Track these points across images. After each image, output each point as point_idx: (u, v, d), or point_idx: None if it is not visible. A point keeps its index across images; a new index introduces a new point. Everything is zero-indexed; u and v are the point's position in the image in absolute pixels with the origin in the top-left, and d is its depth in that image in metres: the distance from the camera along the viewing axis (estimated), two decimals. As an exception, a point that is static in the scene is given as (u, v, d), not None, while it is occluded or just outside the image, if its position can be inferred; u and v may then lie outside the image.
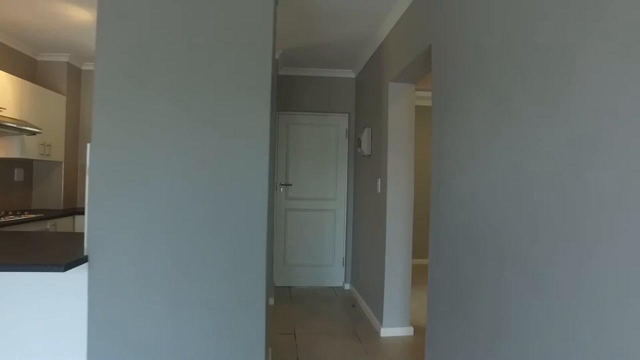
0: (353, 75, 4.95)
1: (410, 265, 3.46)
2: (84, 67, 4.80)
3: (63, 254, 1.83)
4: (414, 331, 3.46)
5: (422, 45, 2.63)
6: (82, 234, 2.26)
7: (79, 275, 1.88)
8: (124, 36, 1.91)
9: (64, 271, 1.62)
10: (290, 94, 4.91)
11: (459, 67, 2.08)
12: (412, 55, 2.85)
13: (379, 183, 3.63)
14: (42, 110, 4.00)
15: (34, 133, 3.65)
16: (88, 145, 1.90)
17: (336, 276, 4.99)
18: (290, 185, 4.94)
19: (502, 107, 1.67)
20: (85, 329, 1.88)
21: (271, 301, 4.22)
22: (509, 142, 1.61)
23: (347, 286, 4.95)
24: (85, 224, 1.89)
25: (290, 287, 4.92)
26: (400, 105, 3.44)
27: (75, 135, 4.72)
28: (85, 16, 3.39)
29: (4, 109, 3.43)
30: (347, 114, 5.00)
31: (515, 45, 1.57)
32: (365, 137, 3.99)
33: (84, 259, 1.84)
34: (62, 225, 3.95)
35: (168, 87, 1.93)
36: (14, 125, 3.33)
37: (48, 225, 3.69)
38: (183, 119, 1.94)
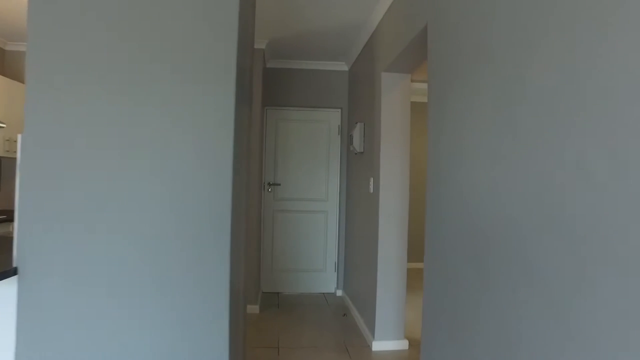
0: (346, 68, 4.66)
1: (405, 271, 3.16)
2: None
3: (-13, 264, 1.53)
4: (409, 345, 3.16)
5: (418, 26, 2.34)
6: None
7: (6, 290, 1.58)
8: (61, 15, 1.61)
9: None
10: (279, 88, 4.62)
11: (459, 47, 1.78)
12: (406, 40, 2.55)
13: (371, 182, 3.34)
14: (4, 102, 3.70)
15: (-4, 127, 3.35)
16: (19, 136, 1.60)
17: (328, 282, 4.69)
18: (279, 185, 4.65)
19: (513, 92, 1.37)
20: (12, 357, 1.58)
21: (255, 309, 3.91)
22: (521, 132, 1.31)
23: (340, 292, 4.64)
24: (15, 229, 1.59)
25: (278, 293, 4.62)
26: (394, 97, 3.15)
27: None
28: None
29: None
30: (339, 110, 4.71)
31: (530, 20, 1.28)
32: (357, 133, 3.69)
33: (12, 271, 1.54)
34: (29, 227, 3.65)
35: (114, 74, 1.63)
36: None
37: (10, 227, 3.39)
38: (132, 110, 1.64)
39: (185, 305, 1.65)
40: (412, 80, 3.28)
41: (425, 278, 2.13)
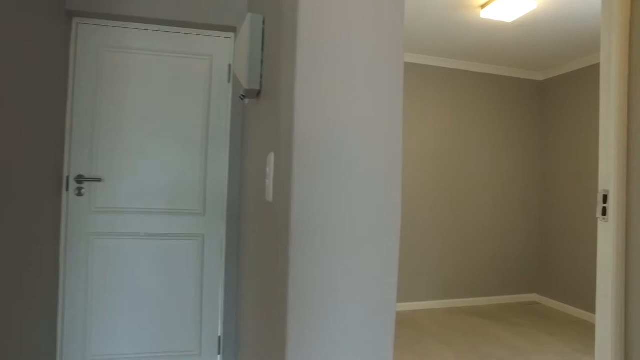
0: (245, -48, 2.36)
1: None
2: None
3: None
4: None
5: None
6: None
7: None
8: None
9: None
10: (103, -21, 2.21)
11: None
12: None
13: (270, 166, 1.06)
14: None
15: None
16: None
17: (205, 376, 2.35)
18: (100, 181, 2.24)
19: None
20: None
21: None
22: None
23: (228, 397, 2.33)
24: None
25: (97, 407, 2.21)
26: None
27: None
28: None
29: None
30: (232, 34, 2.41)
31: None
32: (244, 40, 1.40)
33: None
34: None
35: None
36: None
37: None
38: None
39: None
40: None
41: None
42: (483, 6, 2.96)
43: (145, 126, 2.29)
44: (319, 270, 0.88)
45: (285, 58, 0.99)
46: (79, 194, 2.21)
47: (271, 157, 1.05)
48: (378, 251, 0.90)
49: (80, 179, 2.20)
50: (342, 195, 0.87)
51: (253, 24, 1.37)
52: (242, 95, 1.44)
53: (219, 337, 2.37)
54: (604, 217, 1.60)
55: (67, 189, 2.20)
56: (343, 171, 0.87)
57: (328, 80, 0.88)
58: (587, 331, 3.54)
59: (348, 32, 0.91)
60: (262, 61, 1.37)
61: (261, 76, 1.37)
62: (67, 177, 2.20)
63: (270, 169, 1.04)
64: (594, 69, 3.91)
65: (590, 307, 3.83)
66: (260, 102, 1.42)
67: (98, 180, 2.22)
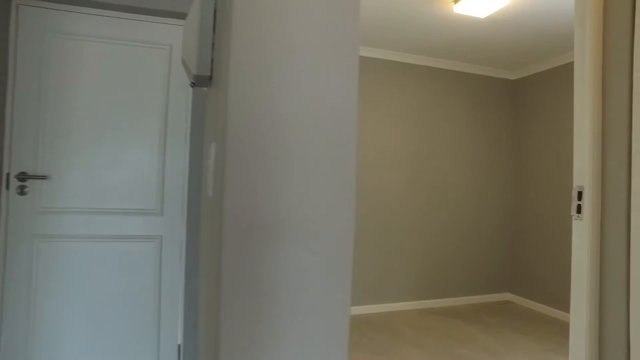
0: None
1: None
2: None
3: None
4: None
5: None
6: None
7: None
8: None
9: None
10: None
11: None
12: None
13: (211, 158, 0.94)
14: None
15: None
16: None
17: (163, 387, 2.19)
18: (46, 178, 2.06)
19: None
20: None
21: None
22: None
23: (189, 409, 2.18)
24: None
25: None
26: None
27: None
28: None
29: None
30: (193, 22, 2.26)
31: None
32: (194, 23, 1.27)
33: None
34: None
35: None
36: None
37: None
38: None
39: None
40: None
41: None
42: (456, 0, 2.90)
43: (98, 119, 2.11)
44: (257, 272, 0.75)
45: (225, 34, 0.87)
46: (22, 193, 2.01)
47: (212, 148, 0.92)
48: (327, 251, 0.79)
49: (23, 177, 2.01)
50: (285, 190, 0.75)
51: (204, 1, 1.23)
52: (192, 82, 1.30)
53: (179, 346, 2.21)
54: (578, 215, 1.53)
55: (8, 187, 2.00)
56: (285, 163, 0.75)
57: (269, 60, 0.76)
58: (560, 330, 3.53)
59: (293, 5, 0.79)
60: (213, 45, 1.24)
61: (212, 61, 1.24)
62: (7, 175, 2.00)
63: (211, 161, 0.91)
64: (567, 69, 3.91)
65: (564, 306, 3.84)
66: (211, 90, 1.29)
67: (43, 177, 2.03)
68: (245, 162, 0.72)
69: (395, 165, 4.04)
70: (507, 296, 4.46)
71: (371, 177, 3.95)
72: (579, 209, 1.53)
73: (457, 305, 4.19)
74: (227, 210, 0.71)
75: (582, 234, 1.50)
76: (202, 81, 1.29)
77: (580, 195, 1.53)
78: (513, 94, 4.55)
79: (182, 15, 2.21)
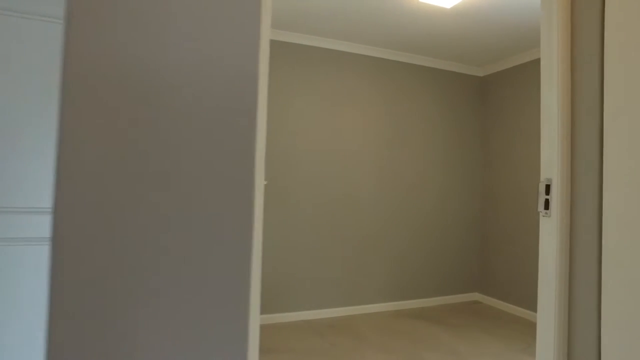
0: None
1: None
2: None
3: None
4: None
5: None
6: None
7: None
8: None
9: None
10: None
11: None
12: None
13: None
14: None
15: None
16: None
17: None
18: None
19: None
20: None
21: None
22: None
23: None
24: None
25: None
26: None
27: None
28: None
29: None
30: None
31: None
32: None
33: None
34: None
35: None
36: None
37: None
38: None
39: None
40: None
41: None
42: (421, -11, 2.78)
43: None
44: (114, 282, 0.57)
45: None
46: None
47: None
48: (217, 260, 0.61)
49: None
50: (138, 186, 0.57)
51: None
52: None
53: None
54: (546, 211, 1.41)
55: None
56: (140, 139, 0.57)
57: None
58: (527, 329, 3.47)
59: None
60: None
61: None
62: None
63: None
64: (535, 65, 3.87)
65: (531, 306, 3.78)
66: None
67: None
68: (84, 143, 0.53)
69: (358, 163, 3.90)
70: (476, 296, 4.39)
71: (337, 176, 3.79)
72: (546, 205, 1.41)
73: (426, 307, 4.09)
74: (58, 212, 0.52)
75: (549, 231, 1.37)
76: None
77: (548, 189, 1.40)
78: (482, 91, 4.48)
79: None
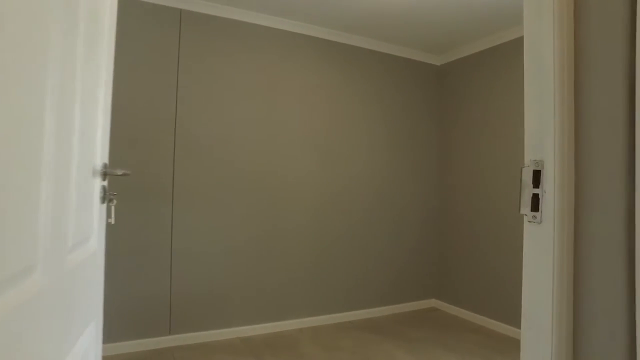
0: None
1: None
2: None
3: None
4: None
5: None
6: None
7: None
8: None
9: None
10: None
11: None
12: None
13: None
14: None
15: None
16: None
17: None
18: None
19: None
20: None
21: None
22: None
23: None
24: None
25: None
26: None
27: None
28: None
29: None
30: None
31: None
32: None
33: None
34: None
35: None
36: None
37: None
38: None
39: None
40: None
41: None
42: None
43: None
44: None
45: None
46: None
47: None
48: None
49: None
50: None
51: None
52: None
53: None
54: (534, 214, 0.97)
55: None
56: None
57: None
58: (487, 340, 3.13)
59: None
60: None
61: None
62: None
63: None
64: (496, 51, 3.55)
65: (492, 314, 3.46)
66: None
67: None
68: None
69: (302, 159, 3.43)
70: (433, 303, 4.04)
71: (272, 172, 3.30)
72: (535, 203, 0.97)
73: (379, 317, 3.68)
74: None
75: (541, 245, 0.92)
76: None
77: (537, 177, 0.97)
78: (438, 80, 4.14)
79: None
